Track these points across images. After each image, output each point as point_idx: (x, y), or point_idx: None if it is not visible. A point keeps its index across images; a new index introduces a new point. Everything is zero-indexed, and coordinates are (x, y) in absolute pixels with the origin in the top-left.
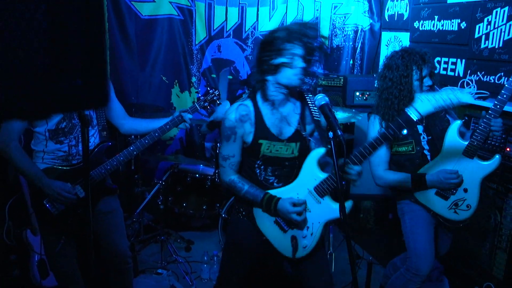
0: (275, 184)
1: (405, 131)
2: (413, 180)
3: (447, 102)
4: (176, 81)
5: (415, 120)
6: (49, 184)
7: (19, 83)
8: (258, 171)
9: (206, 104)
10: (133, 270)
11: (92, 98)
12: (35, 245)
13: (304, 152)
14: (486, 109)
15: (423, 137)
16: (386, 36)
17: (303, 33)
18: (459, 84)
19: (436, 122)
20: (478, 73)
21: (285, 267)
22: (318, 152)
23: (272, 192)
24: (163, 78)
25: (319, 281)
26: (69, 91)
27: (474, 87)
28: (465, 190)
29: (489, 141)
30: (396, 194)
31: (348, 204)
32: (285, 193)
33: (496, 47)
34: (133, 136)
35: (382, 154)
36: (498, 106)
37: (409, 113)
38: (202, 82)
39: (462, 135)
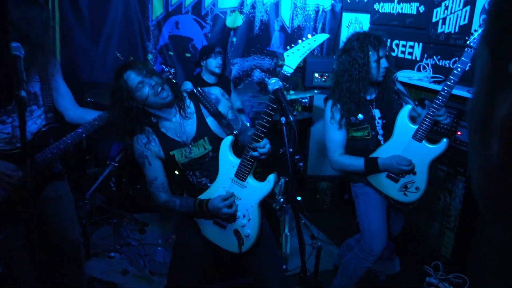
0: (208, 184)
1: (361, 116)
2: (366, 164)
3: None
4: (131, 58)
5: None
6: None
7: None
8: (189, 178)
9: None
10: (85, 253)
11: None
12: None
13: (216, 142)
14: None
15: (378, 122)
16: (347, 17)
17: None
18: (416, 67)
19: (391, 105)
20: (434, 57)
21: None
22: (227, 140)
23: (201, 196)
24: (118, 54)
25: (271, 274)
26: None
27: (430, 71)
28: (414, 173)
29: (441, 125)
30: (350, 177)
31: (271, 178)
32: (212, 193)
33: (452, 32)
34: None
35: (339, 140)
36: (445, 91)
37: None
38: (159, 59)
39: (414, 119)
